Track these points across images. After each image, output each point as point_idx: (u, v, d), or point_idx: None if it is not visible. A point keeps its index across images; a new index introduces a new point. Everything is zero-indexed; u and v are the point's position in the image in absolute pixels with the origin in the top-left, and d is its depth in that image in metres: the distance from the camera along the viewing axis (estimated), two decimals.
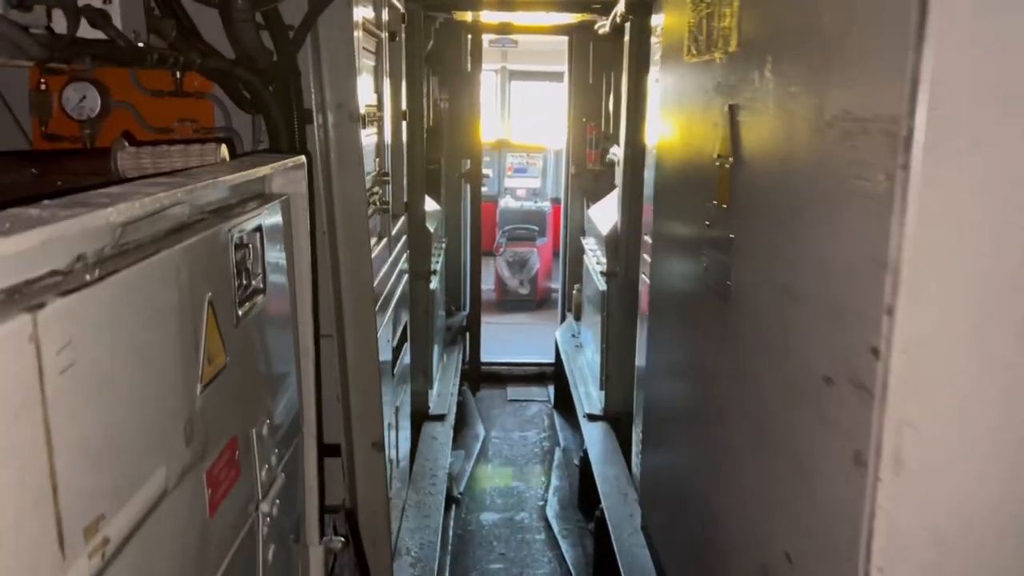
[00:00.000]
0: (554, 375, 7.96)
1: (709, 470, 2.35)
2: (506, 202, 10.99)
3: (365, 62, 3.03)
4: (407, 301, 4.24)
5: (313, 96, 2.54)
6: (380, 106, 3.39)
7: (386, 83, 3.51)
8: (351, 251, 2.58)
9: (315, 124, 2.52)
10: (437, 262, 5.82)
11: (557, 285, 10.95)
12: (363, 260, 2.62)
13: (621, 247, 5.05)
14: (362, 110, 2.77)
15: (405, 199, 4.25)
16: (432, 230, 5.47)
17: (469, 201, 7.52)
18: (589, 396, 5.70)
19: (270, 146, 2.49)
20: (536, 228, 10.43)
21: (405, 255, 4.21)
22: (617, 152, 6.76)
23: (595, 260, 5.82)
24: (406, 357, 4.26)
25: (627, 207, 4.96)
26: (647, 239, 4.20)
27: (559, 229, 11.32)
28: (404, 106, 4.13)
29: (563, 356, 7.08)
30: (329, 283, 2.54)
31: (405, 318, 4.14)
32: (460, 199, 7.83)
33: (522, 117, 12.81)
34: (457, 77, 7.19)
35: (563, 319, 8.21)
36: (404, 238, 4.25)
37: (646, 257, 4.17)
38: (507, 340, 9.10)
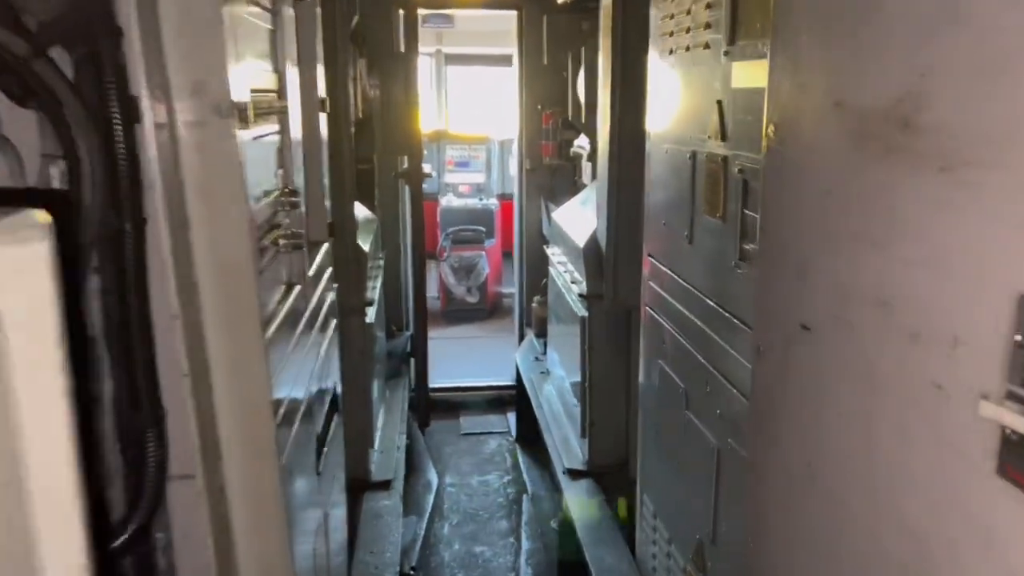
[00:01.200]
0: (514, 400, 6.95)
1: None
2: (448, 200, 9.88)
3: (250, 24, 1.92)
4: (334, 361, 3.14)
5: (146, 74, 1.43)
6: (282, 93, 2.29)
7: (290, 60, 2.40)
8: (230, 349, 1.50)
9: (147, 122, 1.41)
10: (375, 288, 4.71)
11: (509, 290, 9.94)
12: (252, 364, 1.54)
13: (607, 265, 4.03)
14: (241, 97, 1.67)
15: (330, 219, 3.15)
16: (367, 248, 4.37)
17: (409, 204, 6.41)
18: (568, 445, 4.69)
19: (67, 164, 1.38)
20: (483, 229, 9.36)
21: (330, 296, 3.10)
22: (583, 145, 5.75)
23: (567, 277, 4.80)
24: (339, 432, 3.17)
25: (614, 213, 3.95)
26: (653, 260, 3.19)
27: (508, 228, 10.29)
28: (322, 93, 3.02)
29: (526, 383, 6.05)
30: (190, 420, 1.45)
31: (332, 388, 3.04)
32: (398, 202, 6.71)
33: (461, 105, 11.69)
34: (389, 59, 6.05)
35: (522, 337, 7.18)
36: (329, 271, 3.15)
37: (654, 287, 3.16)
38: (457, 359, 8.04)
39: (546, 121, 6.66)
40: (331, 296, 3.16)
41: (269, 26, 2.18)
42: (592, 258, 4.25)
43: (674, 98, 2.89)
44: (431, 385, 6.96)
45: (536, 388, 5.83)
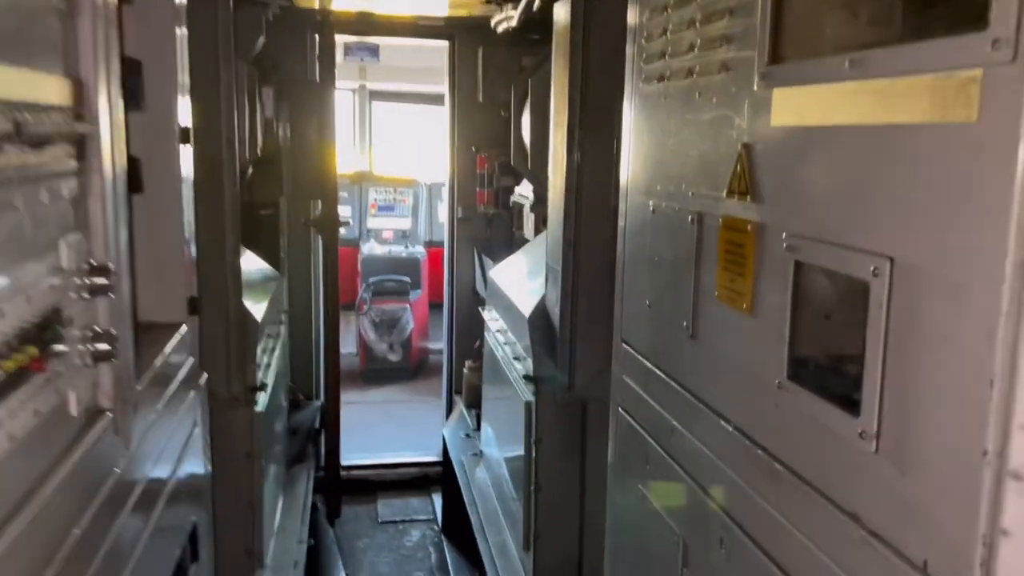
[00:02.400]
0: (440, 478, 6.08)
1: None
2: (370, 248, 9.02)
3: None
4: (194, 487, 2.25)
5: None
6: (85, 112, 1.45)
7: (107, 68, 1.57)
8: None
9: None
10: (270, 365, 3.82)
11: (437, 345, 9.07)
12: None
13: (562, 344, 3.26)
14: None
15: (194, 292, 2.28)
16: (261, 314, 3.49)
17: (321, 256, 5.54)
18: (506, 557, 3.85)
19: None
20: (408, 280, 8.52)
21: (190, 397, 2.23)
22: (526, 193, 5.02)
23: (508, 350, 4.01)
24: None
25: (570, 280, 3.19)
26: (630, 349, 2.43)
27: (437, 278, 9.47)
28: (184, 121, 2.18)
29: (455, 465, 5.20)
30: None
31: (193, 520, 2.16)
32: (310, 253, 5.83)
33: (387, 146, 10.90)
34: (302, 88, 5.23)
35: (450, 406, 6.33)
36: (190, 363, 2.27)
37: (632, 385, 2.39)
38: (376, 429, 7.11)
39: (481, 165, 5.93)
40: (192, 396, 2.28)
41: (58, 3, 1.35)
42: (540, 333, 3.48)
43: (664, 140, 2.16)
44: (345, 462, 6.03)
45: (467, 473, 4.99)
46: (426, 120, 10.92)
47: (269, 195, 4.80)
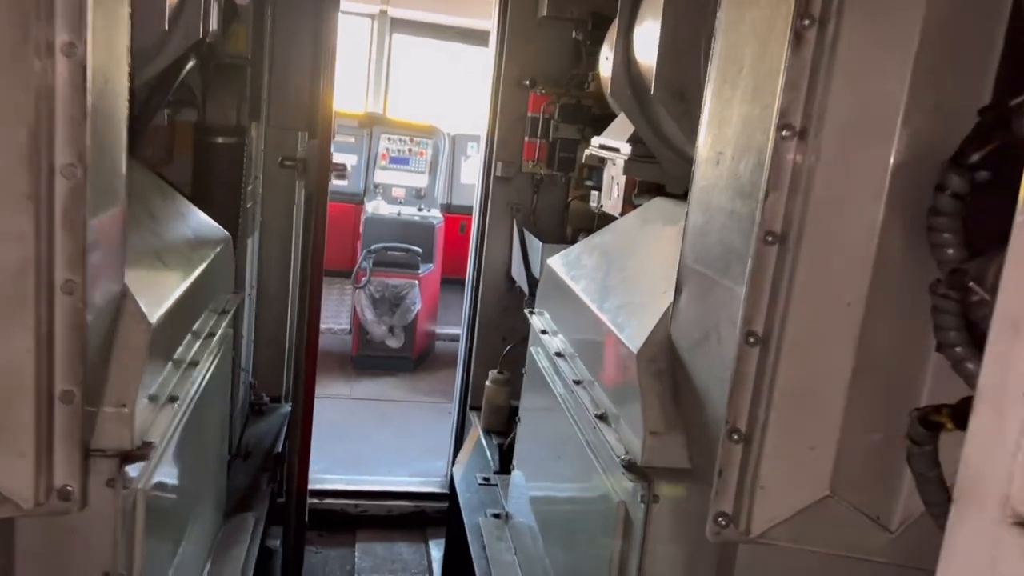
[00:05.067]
0: (443, 517, 4.58)
1: None
2: (375, 206, 7.42)
3: None
4: None
5: None
6: None
7: None
8: None
9: None
10: (183, 397, 2.24)
11: (447, 330, 7.54)
12: None
13: (730, 430, 1.68)
14: None
15: None
16: (159, 313, 1.93)
17: (302, 209, 3.96)
18: None
19: None
20: (419, 251, 6.93)
21: None
22: (613, 147, 3.42)
23: (580, 395, 2.43)
24: None
25: (763, 297, 1.59)
26: None
27: (452, 250, 7.93)
28: None
29: (468, 528, 3.66)
30: None
31: None
32: (290, 206, 4.25)
33: (406, 87, 9.25)
34: None
35: (462, 428, 4.80)
36: None
37: None
38: (362, 436, 5.58)
39: (535, 106, 4.33)
40: None
41: None
42: (664, 391, 1.91)
43: None
44: (316, 485, 4.53)
45: (485, 542, 3.45)
46: (458, 62, 9.27)
47: (226, 116, 3.22)
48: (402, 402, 6.34)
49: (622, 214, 3.04)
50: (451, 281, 7.66)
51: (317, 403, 5.94)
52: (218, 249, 2.76)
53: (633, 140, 2.88)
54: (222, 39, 3.21)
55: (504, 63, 4.43)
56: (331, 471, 4.88)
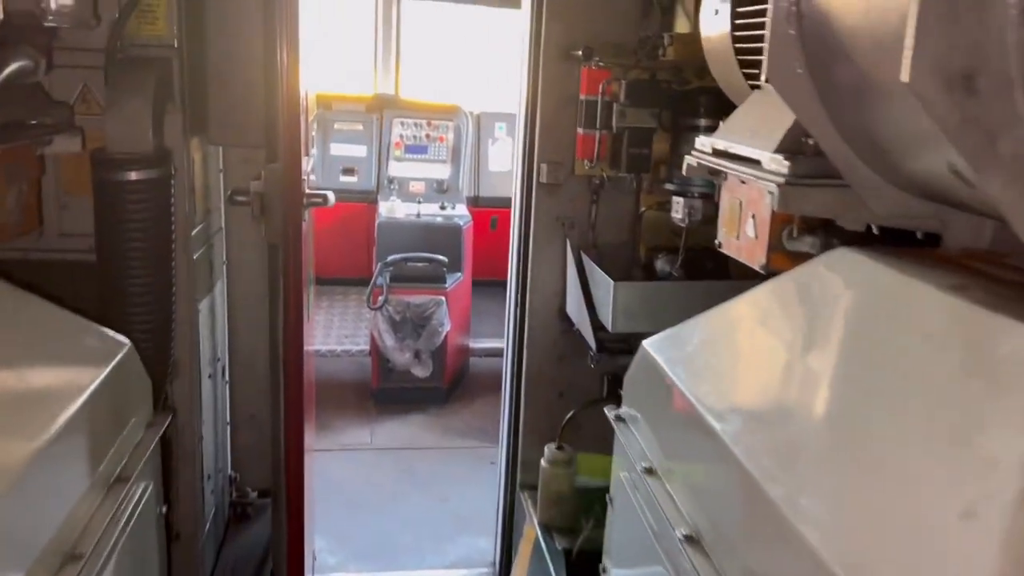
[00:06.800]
0: None
1: None
2: (390, 208, 6.27)
3: None
4: None
5: None
6: None
7: None
8: None
9: None
10: None
11: (486, 343, 6.43)
12: None
13: None
14: None
15: None
16: None
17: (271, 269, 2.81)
18: None
19: None
20: (444, 260, 5.78)
21: None
22: (754, 158, 2.21)
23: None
24: None
25: None
26: None
27: (481, 251, 6.77)
28: None
29: None
30: None
31: None
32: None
33: (420, 61, 8.05)
34: None
35: (509, 521, 3.69)
36: None
37: None
38: (385, 504, 4.48)
39: (591, 86, 3.14)
40: None
41: None
42: None
43: None
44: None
45: None
46: (480, 32, 8.05)
47: (136, 136, 2.08)
48: (434, 449, 5.24)
49: (768, 267, 1.86)
50: (483, 283, 6.54)
51: (330, 459, 4.88)
52: (102, 374, 1.65)
53: (789, 148, 1.70)
54: (124, 19, 2.08)
55: (545, 27, 3.23)
56: (344, 567, 3.82)
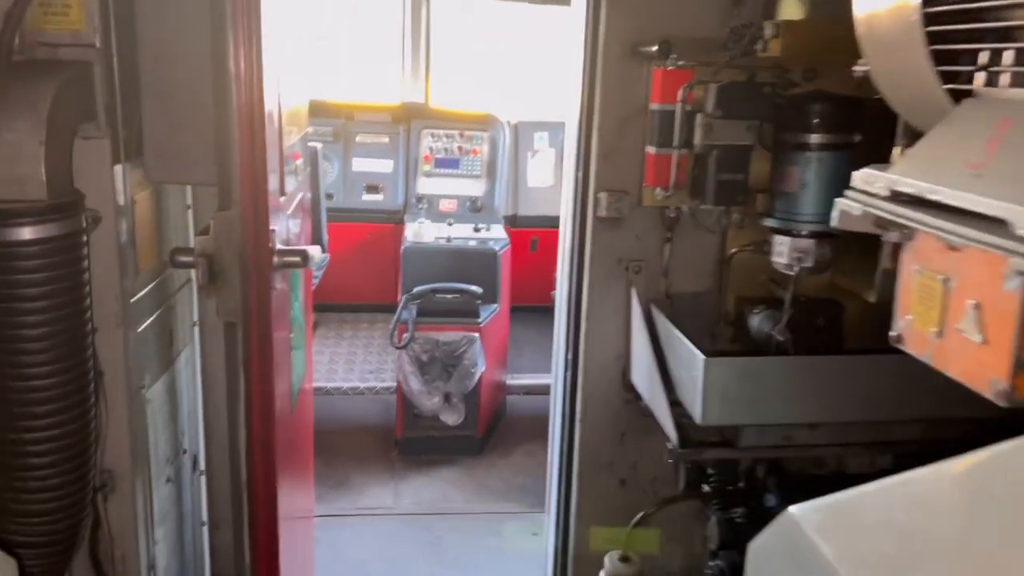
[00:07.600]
0: None
1: None
2: (417, 231, 5.56)
3: None
4: None
5: None
6: None
7: None
8: None
9: None
10: None
11: (526, 380, 5.72)
12: None
13: None
14: None
15: None
16: None
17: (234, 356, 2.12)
18: None
19: None
20: (478, 291, 5.06)
21: None
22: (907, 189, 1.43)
23: None
24: None
25: None
26: None
27: (520, 277, 6.06)
28: None
29: None
30: None
31: None
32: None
33: (452, 66, 7.36)
34: None
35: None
36: None
37: None
38: None
39: (665, 92, 2.39)
40: None
41: None
42: None
43: None
44: None
45: None
46: (520, 33, 7.34)
47: (21, 171, 1.40)
48: (468, 515, 4.52)
49: (1012, 396, 1.10)
50: (522, 309, 5.86)
51: (348, 526, 4.23)
52: None
53: None
54: (23, 7, 1.41)
55: (605, 19, 2.49)
56: None
